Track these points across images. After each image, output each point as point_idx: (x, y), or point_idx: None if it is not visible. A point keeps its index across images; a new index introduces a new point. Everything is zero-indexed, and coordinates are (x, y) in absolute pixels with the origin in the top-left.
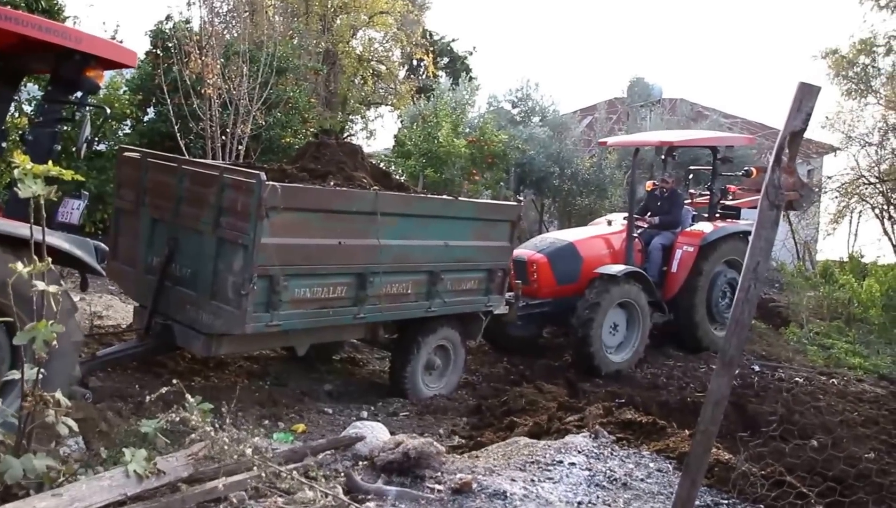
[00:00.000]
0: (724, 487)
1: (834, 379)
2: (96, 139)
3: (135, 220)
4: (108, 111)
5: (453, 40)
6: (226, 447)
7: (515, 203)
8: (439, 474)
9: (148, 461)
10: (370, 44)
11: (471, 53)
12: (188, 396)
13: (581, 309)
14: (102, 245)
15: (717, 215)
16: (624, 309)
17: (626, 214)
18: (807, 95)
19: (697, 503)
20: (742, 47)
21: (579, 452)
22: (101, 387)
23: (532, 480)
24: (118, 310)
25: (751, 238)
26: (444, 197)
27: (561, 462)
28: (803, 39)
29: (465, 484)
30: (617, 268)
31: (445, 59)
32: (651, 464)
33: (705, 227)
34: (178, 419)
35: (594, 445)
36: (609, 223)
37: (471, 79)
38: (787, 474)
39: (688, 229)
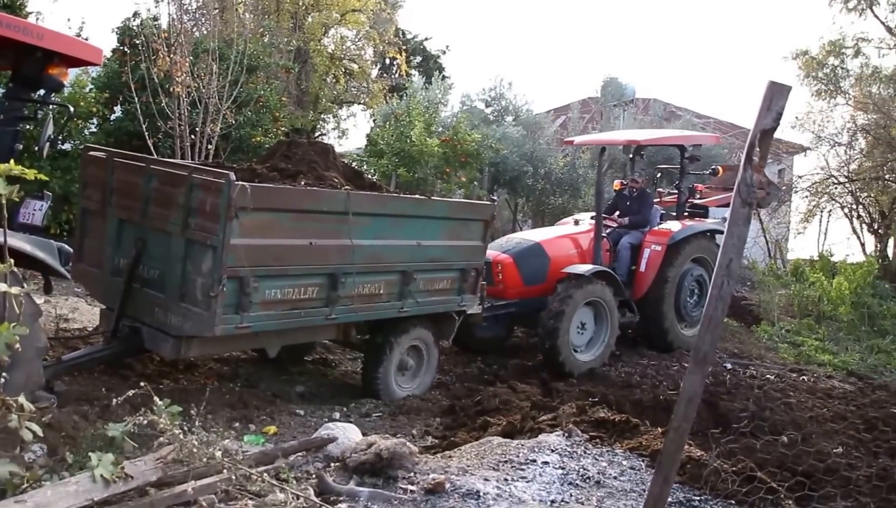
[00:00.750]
0: (697, 484)
1: (804, 376)
2: (60, 138)
3: (101, 221)
4: (72, 109)
5: (426, 39)
6: (195, 450)
7: (489, 202)
8: (412, 474)
9: (115, 465)
10: (342, 42)
11: (444, 52)
12: (156, 399)
13: (549, 310)
14: (66, 247)
15: (686, 214)
16: (592, 309)
17: (593, 214)
18: (777, 94)
19: (670, 500)
20: (715, 48)
21: (552, 451)
22: (68, 391)
23: (505, 479)
24: (84, 313)
25: (723, 235)
26: (417, 196)
27: (534, 461)
28: (775, 41)
29: (438, 485)
30: (585, 268)
31: (418, 58)
32: (624, 462)
33: (673, 226)
34: (146, 422)
35: (567, 444)
36: (576, 222)
37: (444, 78)
38: (757, 470)
39: (656, 228)
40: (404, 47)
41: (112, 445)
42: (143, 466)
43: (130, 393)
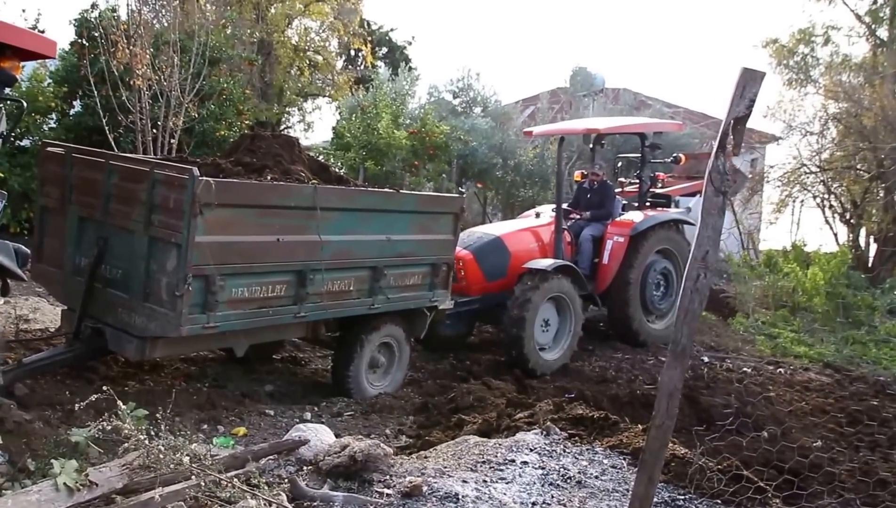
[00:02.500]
0: (682, 482)
1: (781, 369)
2: (18, 134)
3: (60, 219)
4: (25, 104)
5: (391, 30)
6: (162, 455)
7: (457, 194)
8: (388, 477)
9: (79, 472)
10: (306, 33)
11: (409, 43)
12: (120, 403)
13: (511, 307)
14: (23, 247)
15: (648, 204)
16: (554, 304)
17: (554, 206)
18: (750, 81)
19: (655, 500)
20: (685, 37)
21: (531, 450)
22: (29, 395)
23: (484, 481)
24: (46, 313)
25: (689, 226)
26: (386, 190)
27: (513, 461)
28: (745, 29)
29: (415, 488)
30: (546, 263)
31: (384, 49)
32: (605, 461)
33: (636, 217)
34: (110, 427)
35: (546, 442)
36: (537, 215)
37: (410, 69)
38: (743, 467)
39: (618, 218)
40: (369, 38)
41: (76, 451)
42: (108, 473)
43: (94, 397)
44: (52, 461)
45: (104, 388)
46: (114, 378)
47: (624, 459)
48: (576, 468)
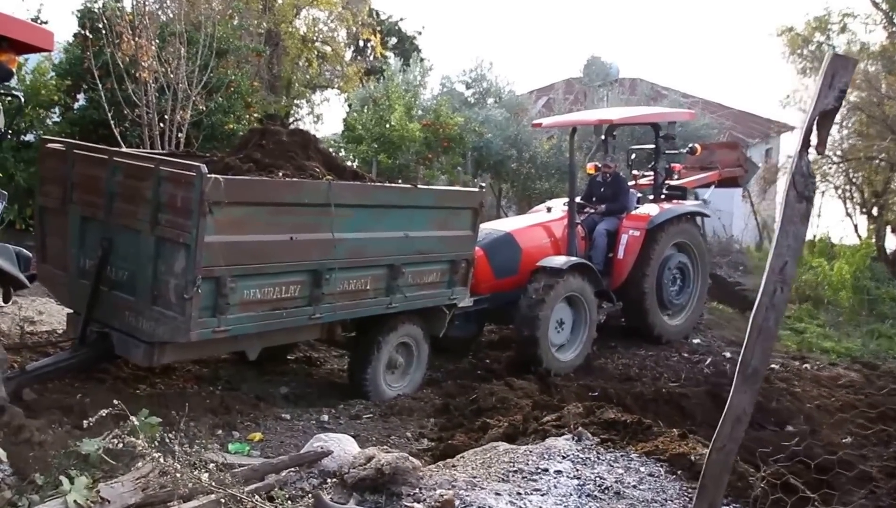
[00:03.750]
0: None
1: (807, 364)
2: (22, 128)
3: (62, 219)
4: (23, 99)
5: (401, 19)
6: (179, 474)
7: (477, 189)
8: (417, 490)
9: (90, 489)
10: (314, 24)
11: (419, 33)
12: (133, 419)
13: (524, 307)
14: (26, 251)
15: (663, 196)
16: (569, 303)
17: (565, 200)
18: (840, 69)
19: None
20: (699, 26)
21: (564, 457)
22: (38, 400)
23: (518, 493)
24: (53, 314)
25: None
26: (403, 185)
27: (546, 469)
28: (760, 17)
29: (446, 502)
30: (560, 260)
31: (393, 40)
32: (642, 468)
33: (651, 210)
34: (122, 444)
35: (578, 449)
36: (549, 210)
37: (422, 60)
38: (789, 476)
39: (633, 212)
40: (378, 28)
41: (86, 463)
42: (120, 488)
43: (104, 412)
44: (62, 477)
45: (115, 402)
46: (125, 379)
47: (661, 467)
48: (612, 476)
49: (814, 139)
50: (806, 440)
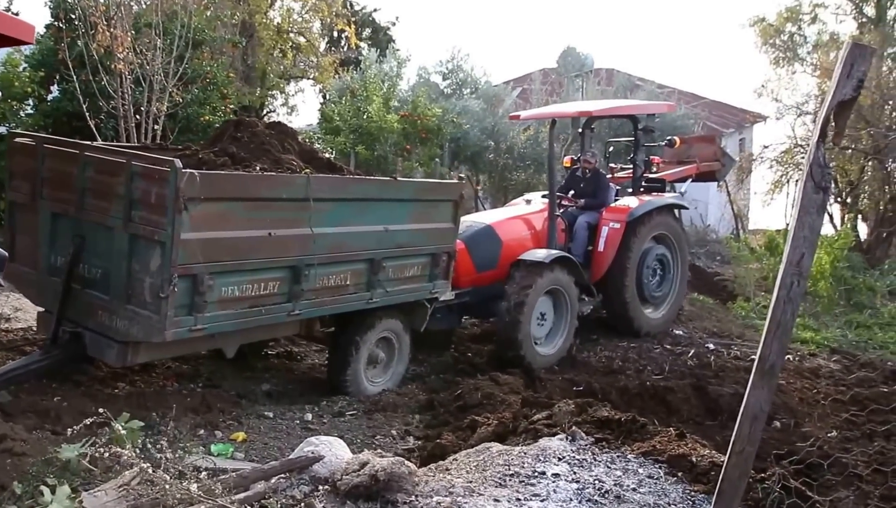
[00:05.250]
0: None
1: (789, 355)
2: None
3: (33, 216)
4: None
5: (375, 10)
6: (167, 486)
7: (456, 180)
8: (413, 498)
9: (72, 498)
10: (289, 14)
11: (394, 24)
12: (115, 424)
13: (506, 301)
14: (1, 250)
15: (642, 189)
16: (550, 297)
17: (544, 193)
18: (859, 58)
19: None
20: (672, 16)
21: (560, 459)
22: (13, 402)
23: (517, 498)
24: (30, 312)
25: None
26: (382, 178)
27: (543, 472)
28: (732, 7)
29: None
30: (542, 254)
31: (368, 31)
32: (640, 470)
33: (631, 202)
34: (106, 453)
35: (573, 449)
36: (528, 202)
37: (397, 51)
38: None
39: (613, 204)
40: (353, 19)
41: (66, 470)
42: (104, 497)
43: (87, 421)
44: (41, 487)
45: (97, 410)
46: (102, 379)
47: (660, 468)
48: (611, 479)
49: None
50: (794, 436)
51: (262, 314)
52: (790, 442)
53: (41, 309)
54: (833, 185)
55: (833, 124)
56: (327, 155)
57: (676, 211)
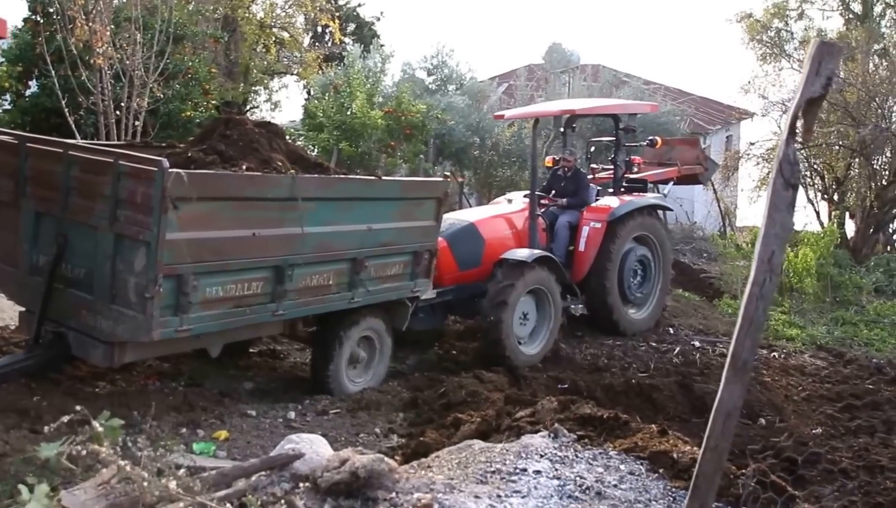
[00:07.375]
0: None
1: (775, 352)
2: None
3: (14, 214)
4: None
5: (359, 5)
6: (146, 483)
7: (441, 178)
8: (394, 495)
9: (51, 497)
10: (272, 9)
11: (378, 19)
12: (95, 423)
13: (488, 300)
14: None
15: (623, 189)
16: (533, 297)
17: (526, 192)
18: (827, 56)
19: None
20: (659, 12)
21: (542, 456)
22: None
23: (498, 495)
24: (8, 310)
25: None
26: (366, 176)
27: (524, 469)
28: (720, 3)
29: (424, 507)
30: (524, 253)
31: (352, 26)
32: (622, 466)
33: (612, 202)
34: (84, 451)
35: (555, 447)
36: (509, 201)
37: (381, 46)
38: (769, 473)
39: (593, 204)
40: (337, 14)
41: (45, 469)
42: (83, 495)
43: (65, 418)
44: (20, 486)
45: (77, 408)
46: (82, 378)
47: (642, 465)
48: (592, 476)
49: (800, 126)
50: (779, 432)
51: (246, 314)
52: (774, 439)
53: (22, 309)
54: (820, 182)
55: (802, 121)
56: (310, 151)
57: (661, 212)
